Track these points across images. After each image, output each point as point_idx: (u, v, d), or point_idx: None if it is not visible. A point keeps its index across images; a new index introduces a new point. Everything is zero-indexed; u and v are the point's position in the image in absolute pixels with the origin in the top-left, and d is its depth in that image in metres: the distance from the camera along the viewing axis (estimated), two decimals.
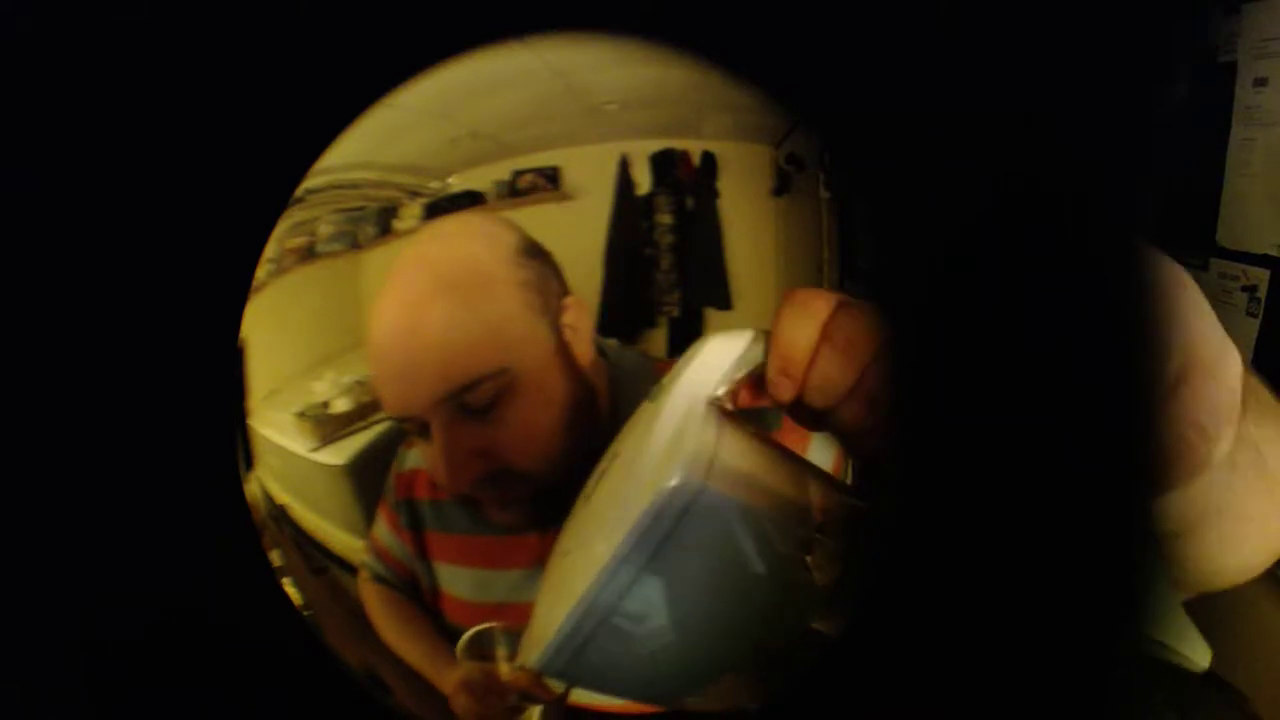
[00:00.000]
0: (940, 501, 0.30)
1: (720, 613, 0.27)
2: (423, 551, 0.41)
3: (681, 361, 0.31)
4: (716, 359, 0.29)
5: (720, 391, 0.29)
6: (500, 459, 0.35)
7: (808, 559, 0.28)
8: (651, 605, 0.26)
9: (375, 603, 0.42)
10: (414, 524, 0.40)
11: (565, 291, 0.37)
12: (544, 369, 0.36)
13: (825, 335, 0.27)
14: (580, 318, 0.37)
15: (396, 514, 0.41)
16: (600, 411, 0.38)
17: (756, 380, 0.29)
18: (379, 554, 0.41)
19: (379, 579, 0.42)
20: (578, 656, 0.26)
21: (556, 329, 0.37)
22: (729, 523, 0.26)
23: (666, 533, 0.25)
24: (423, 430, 0.36)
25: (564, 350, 0.37)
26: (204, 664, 0.41)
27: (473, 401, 0.35)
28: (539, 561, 0.40)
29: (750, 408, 0.29)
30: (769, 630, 0.28)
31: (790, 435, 0.35)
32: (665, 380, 0.31)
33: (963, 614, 0.29)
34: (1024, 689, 0.28)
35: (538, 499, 0.37)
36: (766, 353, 0.29)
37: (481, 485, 0.36)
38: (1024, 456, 0.30)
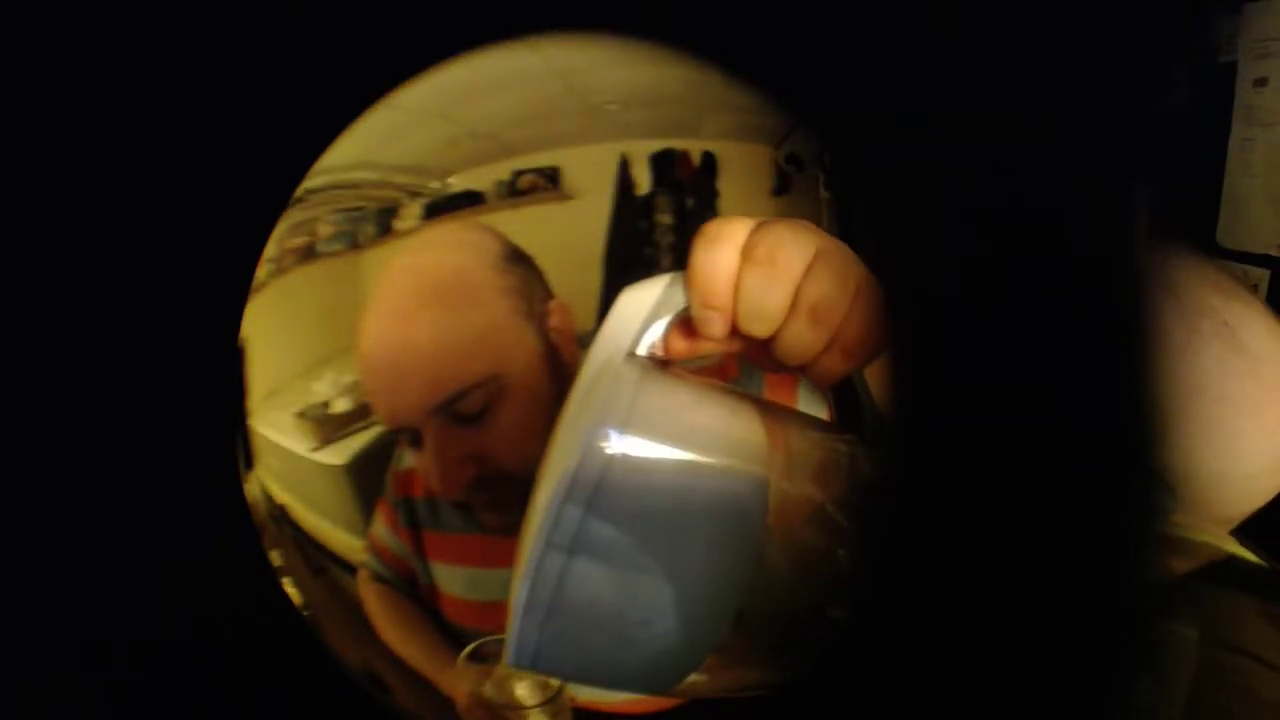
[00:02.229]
0: (944, 485, 0.30)
1: (677, 583, 0.24)
2: (420, 550, 0.41)
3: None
4: (629, 311, 0.26)
5: (641, 343, 0.26)
6: (491, 463, 0.36)
7: (788, 519, 0.25)
8: (595, 587, 0.23)
9: (375, 602, 0.42)
10: (411, 522, 0.41)
11: (549, 295, 0.37)
12: (532, 373, 0.36)
13: (745, 254, 0.25)
14: (565, 320, 0.37)
15: (395, 512, 0.41)
16: None
17: (685, 323, 0.26)
18: (378, 553, 0.41)
19: (378, 578, 0.42)
20: (540, 651, 0.24)
21: (543, 333, 0.37)
22: (661, 486, 0.24)
23: (586, 507, 0.23)
24: (415, 438, 0.36)
25: (551, 353, 0.37)
26: (203, 664, 0.41)
27: (464, 409, 0.35)
28: None
29: (696, 360, 0.27)
30: (746, 600, 0.25)
31: (776, 388, 0.34)
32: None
33: (969, 603, 0.28)
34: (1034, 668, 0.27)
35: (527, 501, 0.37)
36: (687, 290, 0.26)
37: (474, 490, 0.36)
38: (1027, 469, 0.30)
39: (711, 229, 0.25)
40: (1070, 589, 0.27)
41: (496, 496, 0.37)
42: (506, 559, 0.39)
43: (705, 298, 0.25)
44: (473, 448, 0.35)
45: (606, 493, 0.23)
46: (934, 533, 0.27)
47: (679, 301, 0.26)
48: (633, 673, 0.26)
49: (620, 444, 0.23)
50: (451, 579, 0.41)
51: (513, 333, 0.36)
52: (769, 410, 0.27)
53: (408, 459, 0.40)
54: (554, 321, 0.37)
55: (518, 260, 0.37)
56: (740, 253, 0.25)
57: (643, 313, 0.26)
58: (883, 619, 0.28)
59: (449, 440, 0.35)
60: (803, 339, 0.25)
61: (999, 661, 0.27)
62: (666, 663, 0.25)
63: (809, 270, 0.25)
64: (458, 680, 0.37)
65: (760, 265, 0.25)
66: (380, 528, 0.41)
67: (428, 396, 0.35)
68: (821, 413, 0.37)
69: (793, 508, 0.25)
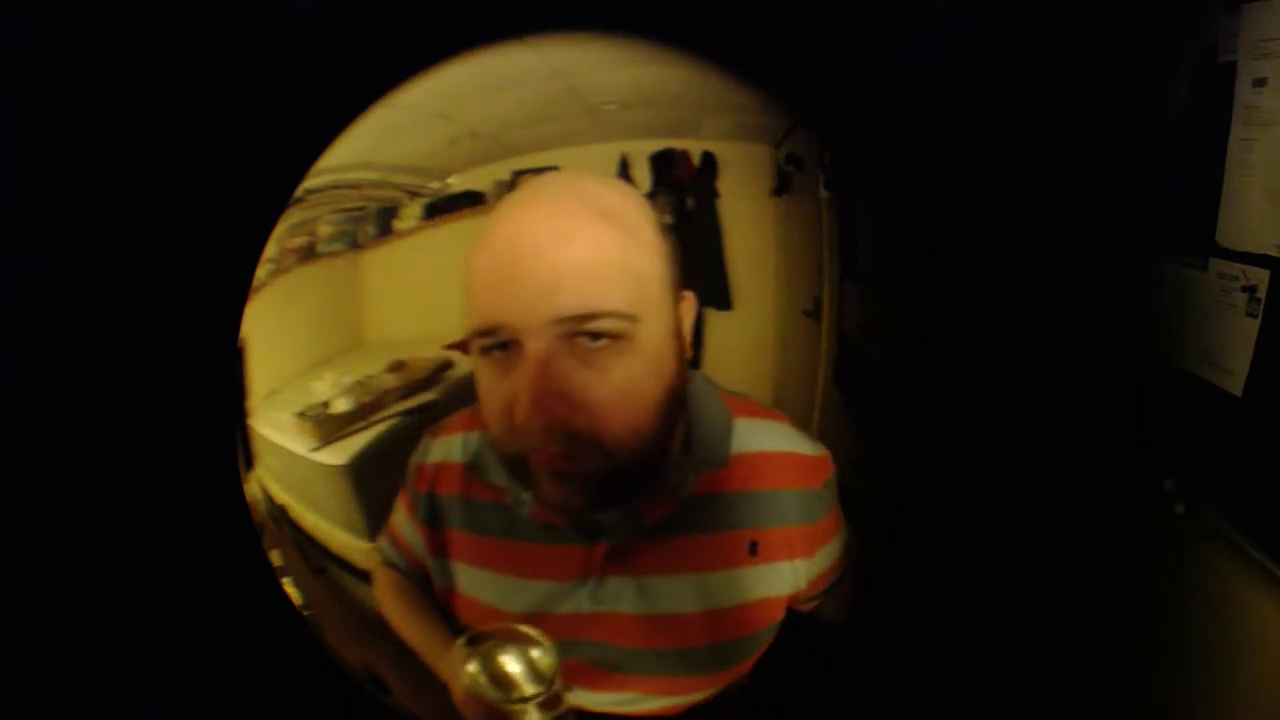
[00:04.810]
0: (939, 501, 0.30)
1: None
2: (442, 549, 0.39)
3: None
4: None
5: None
6: (585, 416, 0.32)
7: None
8: None
9: (383, 585, 0.42)
10: (433, 519, 0.39)
11: (684, 285, 0.35)
12: (660, 340, 0.33)
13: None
14: (690, 314, 0.35)
15: (415, 505, 0.40)
16: (681, 416, 0.36)
17: None
18: (393, 539, 0.41)
19: (390, 563, 0.41)
20: None
21: (675, 312, 0.35)
22: None
23: None
24: (511, 349, 0.32)
25: (679, 335, 0.35)
26: (204, 663, 0.41)
27: (590, 330, 0.31)
28: (582, 574, 0.37)
29: None
30: None
31: None
32: None
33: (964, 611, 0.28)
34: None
35: (600, 482, 0.33)
36: None
37: (550, 438, 0.32)
38: (1020, 449, 0.30)
39: None
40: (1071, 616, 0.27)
41: (571, 462, 0.32)
42: (553, 571, 0.37)
43: None
44: (574, 389, 0.32)
45: None
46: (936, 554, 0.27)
47: None
48: None
49: None
50: (479, 584, 0.38)
51: (660, 292, 0.33)
52: None
53: (434, 452, 0.38)
54: (683, 309, 0.35)
55: (668, 236, 0.35)
56: None
57: None
58: (882, 636, 0.28)
59: (556, 365, 0.31)
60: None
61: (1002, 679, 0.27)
62: None
63: None
64: (453, 664, 0.35)
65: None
66: (399, 515, 0.40)
67: (560, 303, 0.31)
68: None
69: None
